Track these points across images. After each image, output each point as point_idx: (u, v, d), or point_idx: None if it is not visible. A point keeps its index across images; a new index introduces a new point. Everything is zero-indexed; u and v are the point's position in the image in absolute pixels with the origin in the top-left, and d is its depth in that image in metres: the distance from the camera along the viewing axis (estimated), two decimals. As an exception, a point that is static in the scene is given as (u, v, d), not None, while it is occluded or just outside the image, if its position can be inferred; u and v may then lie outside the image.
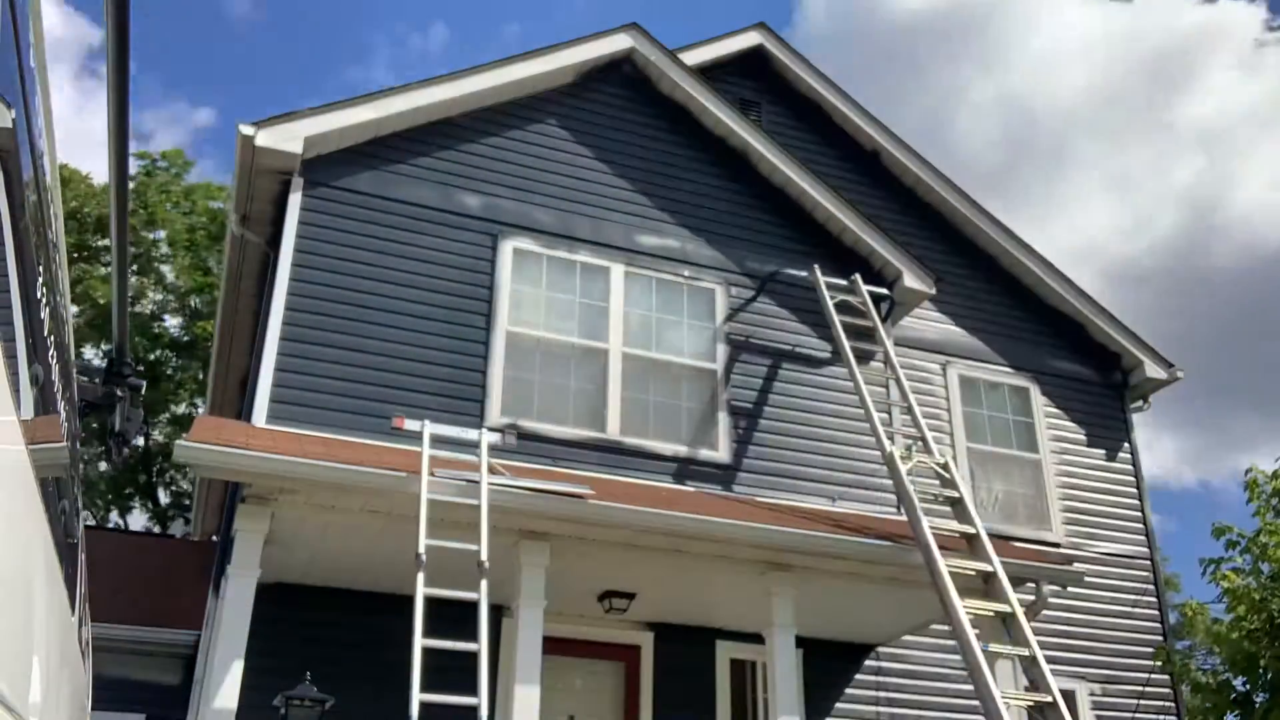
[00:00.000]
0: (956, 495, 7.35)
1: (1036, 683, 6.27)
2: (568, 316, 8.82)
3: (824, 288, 9.00)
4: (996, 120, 49.42)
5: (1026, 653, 6.37)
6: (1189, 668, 9.09)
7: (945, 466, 7.51)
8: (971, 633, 6.19)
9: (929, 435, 7.93)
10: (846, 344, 8.44)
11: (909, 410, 8.07)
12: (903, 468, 7.25)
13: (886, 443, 7.55)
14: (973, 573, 6.85)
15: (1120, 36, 47.07)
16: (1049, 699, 6.11)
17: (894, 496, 9.11)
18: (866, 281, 9.81)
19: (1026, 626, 6.46)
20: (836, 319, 8.75)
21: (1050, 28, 46.38)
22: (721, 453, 8.75)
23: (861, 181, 11.45)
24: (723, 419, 8.86)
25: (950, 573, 6.53)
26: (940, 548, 6.83)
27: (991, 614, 6.59)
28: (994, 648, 6.20)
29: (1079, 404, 11.40)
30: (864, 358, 9.35)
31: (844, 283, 9.29)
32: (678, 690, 8.33)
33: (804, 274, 9.34)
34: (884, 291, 9.54)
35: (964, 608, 6.32)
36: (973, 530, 7.10)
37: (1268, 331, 42.61)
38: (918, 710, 9.23)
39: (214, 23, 41.19)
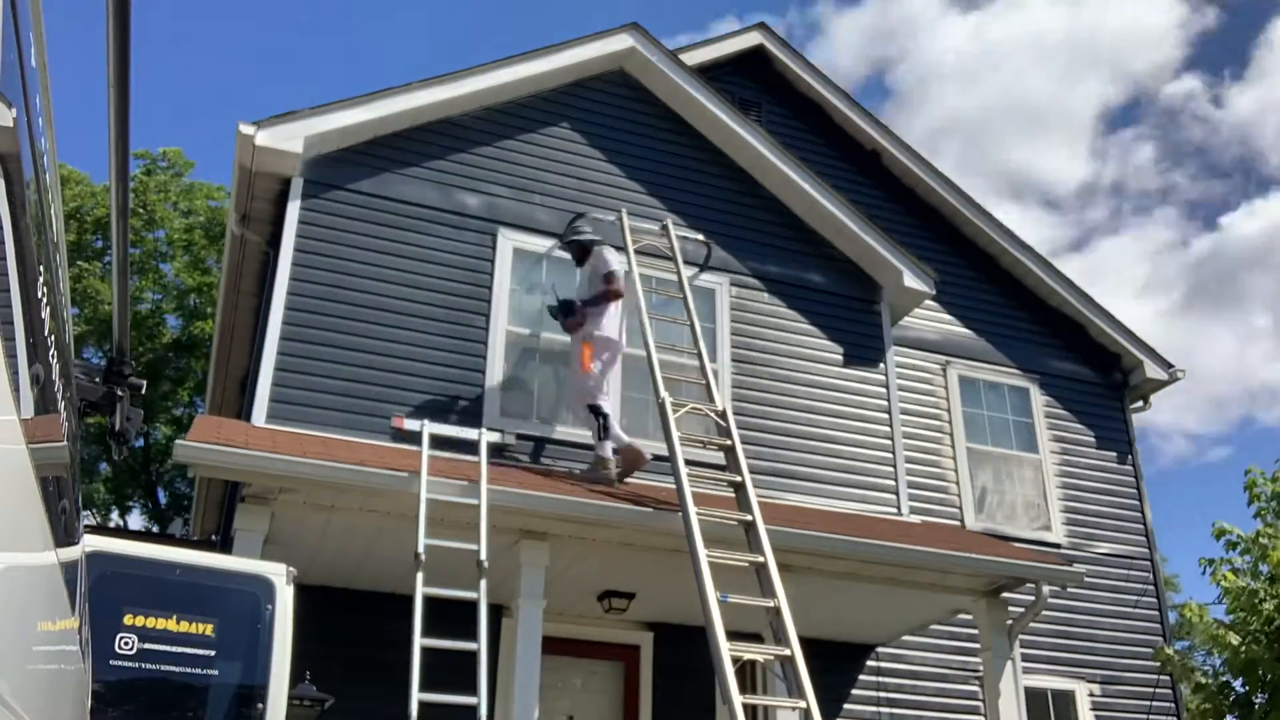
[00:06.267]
0: (729, 444, 7.25)
1: (778, 635, 6.17)
2: (568, 316, 8.80)
3: (628, 232, 8.63)
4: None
5: (772, 604, 6.24)
6: (1189, 669, 9.09)
7: (723, 415, 7.40)
8: (709, 581, 6.05)
9: (713, 383, 7.78)
10: (639, 288, 8.11)
11: (699, 357, 7.92)
12: (672, 415, 7.15)
13: (661, 389, 7.41)
14: (734, 522, 6.73)
15: None
16: (787, 652, 6.01)
17: (894, 495, 9.13)
18: (868, 282, 9.82)
19: (776, 577, 6.30)
20: (634, 263, 8.38)
21: None
22: (722, 453, 8.73)
23: (861, 181, 11.47)
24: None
25: (703, 519, 6.34)
26: (708, 502, 6.72)
27: (746, 564, 6.44)
28: (734, 598, 6.06)
29: (1079, 404, 11.41)
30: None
31: (655, 228, 8.96)
32: (678, 690, 8.33)
33: (612, 218, 8.83)
34: (700, 238, 9.22)
35: (707, 556, 6.15)
36: (739, 479, 6.98)
37: None
38: (918, 710, 9.24)
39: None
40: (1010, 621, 7.85)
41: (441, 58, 54.28)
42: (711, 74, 10.81)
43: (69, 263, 18.84)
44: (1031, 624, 8.32)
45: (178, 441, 6.23)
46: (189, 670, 4.54)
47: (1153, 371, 11.54)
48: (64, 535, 2.18)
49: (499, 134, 9.16)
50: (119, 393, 3.78)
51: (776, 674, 6.41)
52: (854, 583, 7.62)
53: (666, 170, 9.62)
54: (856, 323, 9.72)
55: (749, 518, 6.68)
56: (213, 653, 4.59)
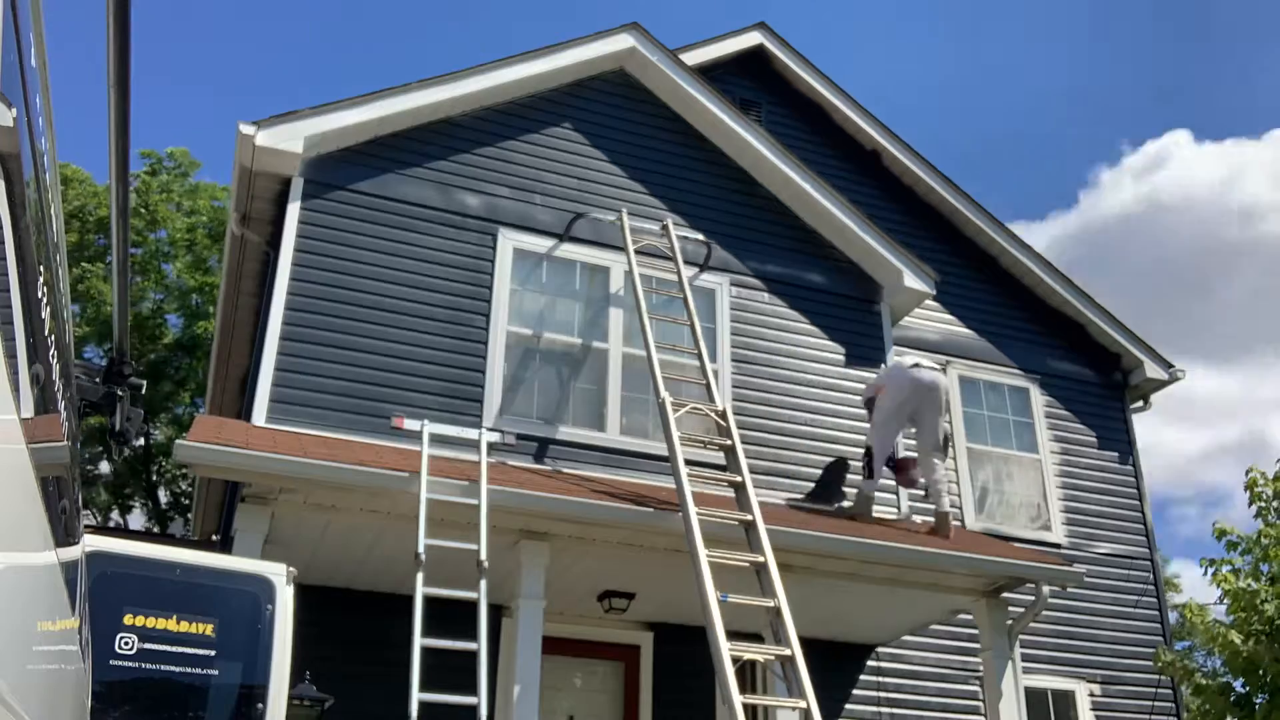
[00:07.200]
0: (729, 444, 7.24)
1: (778, 635, 6.17)
2: (568, 316, 8.82)
3: (628, 232, 8.65)
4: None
5: (772, 604, 6.24)
6: (1189, 669, 9.07)
7: (723, 415, 7.39)
8: (709, 581, 6.05)
9: (713, 383, 7.77)
10: (640, 288, 8.13)
11: (699, 357, 7.92)
12: (672, 415, 7.15)
13: (662, 389, 7.40)
14: (734, 522, 6.71)
15: None
16: (787, 652, 6.01)
17: (893, 495, 9.12)
18: (868, 282, 9.82)
19: (777, 578, 6.29)
20: (634, 263, 8.40)
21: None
22: (721, 453, 8.73)
23: (861, 181, 11.46)
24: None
25: (703, 520, 6.35)
26: (707, 503, 6.72)
27: (746, 564, 6.43)
28: (734, 598, 6.06)
29: (1079, 404, 11.41)
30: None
31: (655, 228, 8.99)
32: (677, 690, 8.33)
33: (612, 218, 8.91)
34: (700, 238, 9.26)
35: (707, 556, 6.13)
36: (740, 479, 6.97)
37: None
38: (918, 710, 9.24)
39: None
40: (1010, 622, 7.85)
41: (442, 58, 54.29)
42: (712, 74, 10.81)
43: (70, 263, 18.84)
44: (1031, 624, 8.32)
45: (178, 441, 6.23)
46: (189, 670, 4.54)
47: (1153, 371, 11.53)
48: (64, 535, 2.18)
49: (499, 134, 9.16)
50: (119, 393, 3.79)
51: (776, 674, 6.42)
52: (854, 583, 7.62)
53: (667, 170, 9.62)
54: (857, 323, 9.72)
55: (749, 518, 6.68)
56: (213, 653, 4.59)
